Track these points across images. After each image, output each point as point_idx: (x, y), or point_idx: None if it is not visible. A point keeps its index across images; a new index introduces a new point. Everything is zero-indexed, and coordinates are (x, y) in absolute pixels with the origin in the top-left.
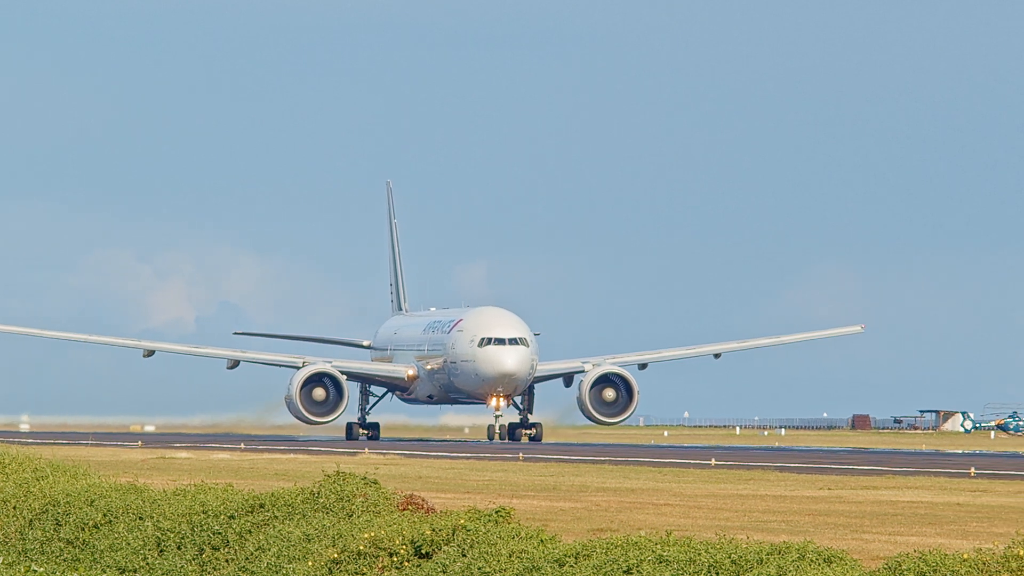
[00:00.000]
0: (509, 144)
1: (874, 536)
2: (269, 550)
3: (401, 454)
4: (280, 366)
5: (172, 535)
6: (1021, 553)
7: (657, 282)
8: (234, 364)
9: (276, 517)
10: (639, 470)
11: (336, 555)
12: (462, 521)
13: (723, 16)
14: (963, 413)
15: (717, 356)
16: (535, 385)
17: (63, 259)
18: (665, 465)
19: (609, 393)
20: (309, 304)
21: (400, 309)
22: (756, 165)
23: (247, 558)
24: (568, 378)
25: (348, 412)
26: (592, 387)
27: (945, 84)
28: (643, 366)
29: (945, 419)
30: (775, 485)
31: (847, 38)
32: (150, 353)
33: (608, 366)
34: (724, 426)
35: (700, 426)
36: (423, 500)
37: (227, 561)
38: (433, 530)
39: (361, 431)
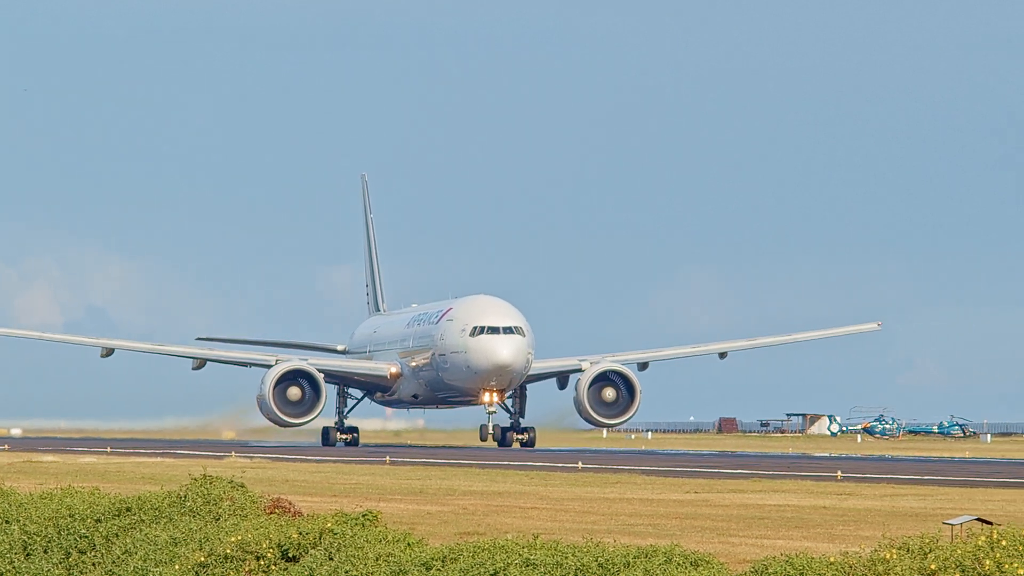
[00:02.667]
0: (481, 132)
1: (741, 539)
2: (136, 553)
3: (268, 458)
4: (251, 365)
5: (39, 539)
6: (887, 556)
7: (653, 279)
8: (200, 364)
9: (143, 520)
10: (506, 473)
11: (203, 558)
12: (329, 524)
13: (724, 16)
14: (830, 416)
15: (722, 356)
16: (527, 386)
17: None
18: (532, 468)
19: (609, 393)
20: (179, 307)
21: (378, 309)
22: (752, 165)
23: (114, 562)
24: (563, 379)
25: (325, 415)
26: (591, 386)
27: (944, 84)
28: (644, 365)
29: (812, 422)
30: (642, 488)
31: (848, 38)
32: (109, 352)
33: (608, 363)
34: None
35: (566, 428)
36: (290, 503)
37: (94, 564)
38: (300, 533)
39: (339, 436)
